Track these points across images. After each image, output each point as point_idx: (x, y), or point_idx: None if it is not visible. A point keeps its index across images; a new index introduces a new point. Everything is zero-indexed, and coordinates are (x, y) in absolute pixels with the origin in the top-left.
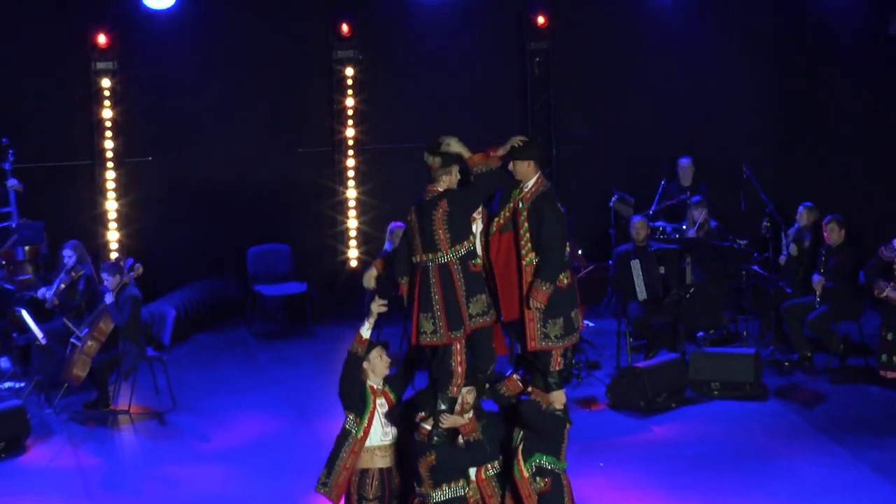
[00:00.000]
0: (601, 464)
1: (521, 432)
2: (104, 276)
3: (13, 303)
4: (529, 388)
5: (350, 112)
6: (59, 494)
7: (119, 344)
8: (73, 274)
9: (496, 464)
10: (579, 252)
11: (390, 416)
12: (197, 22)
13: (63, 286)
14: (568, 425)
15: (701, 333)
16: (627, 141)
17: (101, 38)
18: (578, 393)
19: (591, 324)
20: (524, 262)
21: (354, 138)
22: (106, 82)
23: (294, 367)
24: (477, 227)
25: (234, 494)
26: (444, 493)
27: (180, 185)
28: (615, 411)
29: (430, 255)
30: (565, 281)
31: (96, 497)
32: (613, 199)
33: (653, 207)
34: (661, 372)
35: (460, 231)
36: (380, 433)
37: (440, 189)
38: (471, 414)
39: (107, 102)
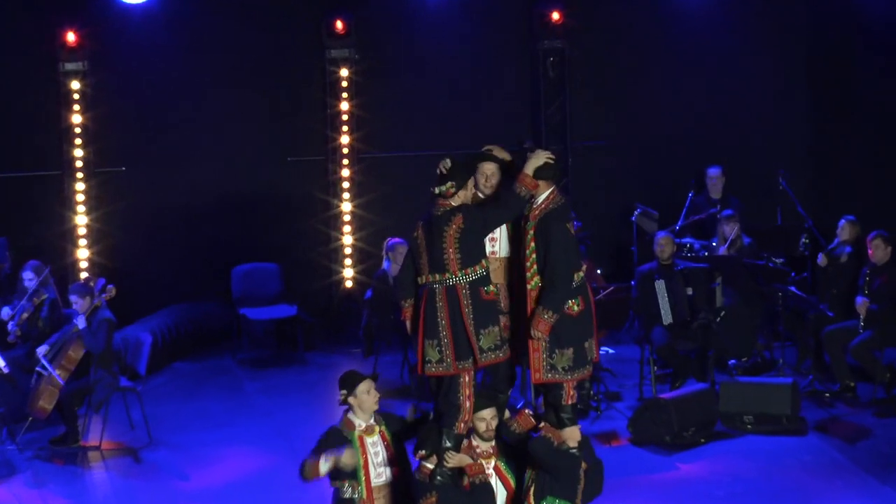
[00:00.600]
0: None
1: (532, 473)
2: (72, 298)
3: None
4: (541, 424)
5: (345, 117)
6: None
7: (90, 373)
8: (36, 300)
9: None
10: (598, 272)
11: (386, 455)
12: (176, 18)
13: (25, 315)
14: (585, 465)
15: (732, 361)
16: (651, 149)
17: (70, 37)
18: (597, 427)
19: (611, 351)
20: (529, 286)
21: (350, 146)
22: (75, 85)
23: (284, 398)
24: (501, 245)
25: None
26: None
27: (158, 198)
28: (638, 447)
29: (438, 277)
30: (576, 308)
31: None
32: (636, 213)
33: (679, 222)
34: (689, 404)
35: (473, 252)
36: (373, 475)
37: (453, 203)
38: (492, 443)
39: (76, 107)
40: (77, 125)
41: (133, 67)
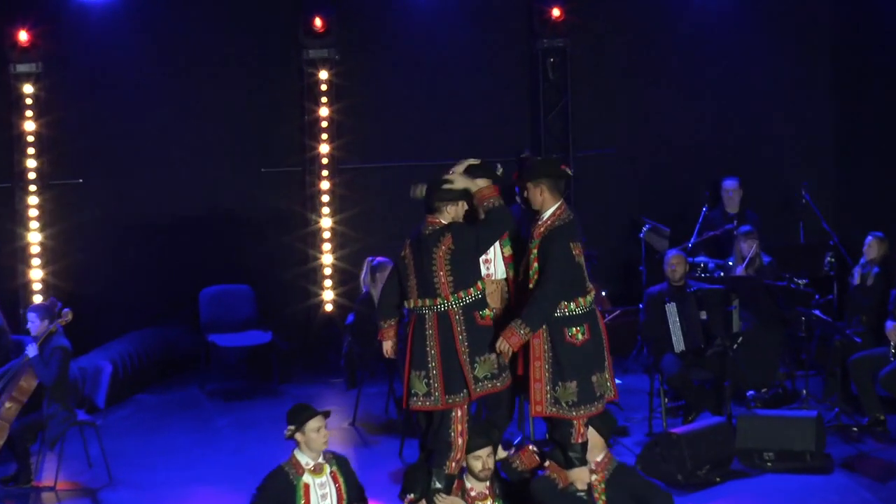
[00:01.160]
0: None
1: None
2: (30, 316)
3: None
4: (546, 463)
5: (324, 124)
6: None
7: (43, 406)
8: None
9: None
10: (603, 294)
11: (336, 498)
12: (139, 16)
13: None
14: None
15: (751, 392)
16: (661, 159)
17: (23, 36)
18: None
19: (617, 381)
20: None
21: (330, 156)
22: (28, 88)
23: (256, 432)
24: (496, 267)
25: None
26: None
27: (119, 213)
28: None
29: (428, 302)
30: (580, 336)
31: None
32: (644, 229)
33: (692, 240)
34: (704, 439)
35: (466, 274)
36: None
37: (443, 221)
38: (488, 483)
39: (29, 113)
40: (30, 133)
41: (92, 69)
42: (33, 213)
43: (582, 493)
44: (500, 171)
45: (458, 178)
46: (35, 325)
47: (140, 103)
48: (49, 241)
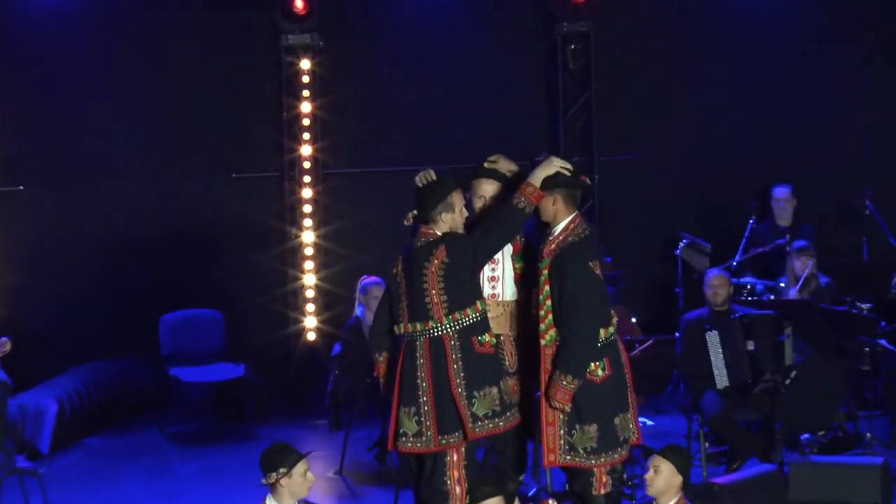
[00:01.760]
0: None
1: None
2: None
3: None
4: None
5: (306, 122)
6: None
7: None
8: None
9: None
10: (633, 321)
11: None
12: (92, 3)
13: None
14: None
15: (806, 436)
16: (701, 163)
17: None
18: None
19: (649, 422)
20: (543, 342)
21: (312, 159)
22: None
23: (226, 482)
24: (504, 286)
25: None
26: None
27: (66, 226)
28: None
29: (419, 326)
30: (600, 372)
31: None
32: (681, 245)
33: (737, 257)
34: (751, 490)
35: (462, 293)
36: None
37: (437, 232)
38: None
39: None
40: None
41: (35, 60)
42: None
43: None
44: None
45: (502, 160)
46: None
47: (91, 98)
48: None
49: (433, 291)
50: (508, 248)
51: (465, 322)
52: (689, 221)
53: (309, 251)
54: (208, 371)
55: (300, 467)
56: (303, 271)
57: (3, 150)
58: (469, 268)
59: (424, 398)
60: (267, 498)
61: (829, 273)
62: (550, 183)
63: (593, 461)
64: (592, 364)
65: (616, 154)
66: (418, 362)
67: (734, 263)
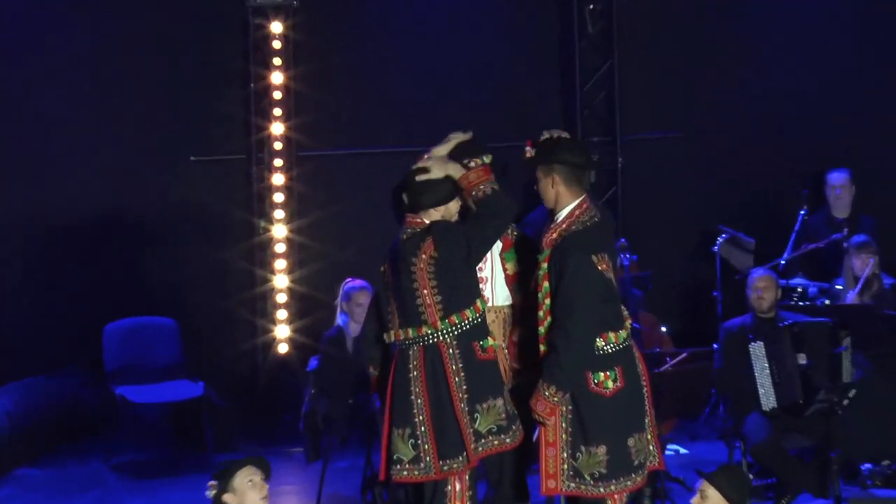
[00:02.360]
0: None
1: None
2: None
3: None
4: None
5: (277, 95)
6: None
7: None
8: None
9: None
10: (663, 330)
11: None
12: None
13: None
14: None
15: (867, 466)
16: (741, 144)
17: None
18: None
19: (682, 450)
20: (542, 347)
21: (284, 138)
22: None
23: None
24: (495, 288)
25: None
26: None
27: None
28: None
29: (412, 332)
30: (610, 384)
31: None
32: (720, 240)
33: (786, 255)
34: None
35: (458, 291)
36: None
37: (426, 221)
38: None
39: None
40: None
41: None
42: None
43: None
44: (487, 158)
45: (434, 163)
46: None
47: (24, 69)
48: None
49: (424, 291)
50: (498, 245)
51: (465, 326)
52: (729, 212)
53: (280, 248)
54: (161, 390)
55: (242, 473)
56: (273, 271)
57: None
58: (463, 263)
59: (420, 417)
60: None
61: (894, 273)
62: (547, 158)
63: (602, 489)
64: (602, 374)
65: (643, 133)
66: (411, 375)
67: (782, 262)
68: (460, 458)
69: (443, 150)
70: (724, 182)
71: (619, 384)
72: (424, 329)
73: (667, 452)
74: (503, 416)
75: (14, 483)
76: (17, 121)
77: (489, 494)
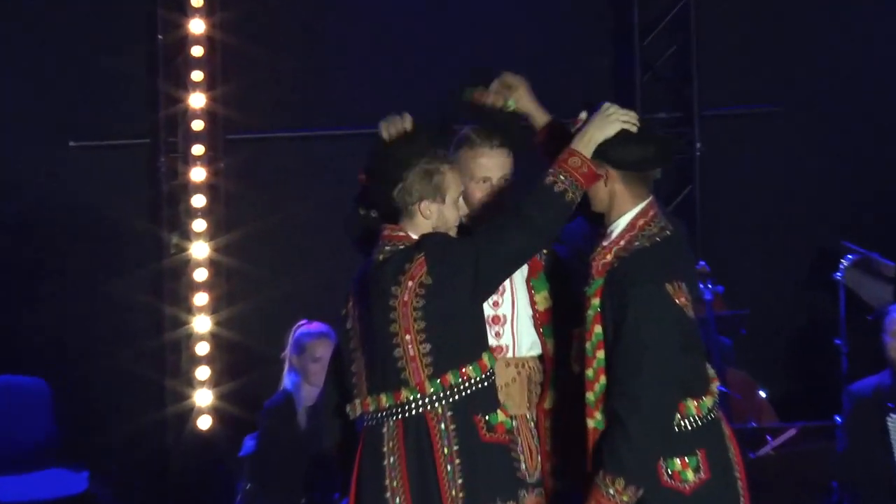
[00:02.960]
0: None
1: None
2: None
3: None
4: None
5: (196, 52)
6: None
7: None
8: None
9: None
10: (761, 395)
11: None
12: None
13: None
14: None
15: None
16: (872, 125)
17: None
18: None
19: None
20: (591, 423)
21: (207, 116)
22: None
23: None
24: (517, 331)
25: None
26: None
27: None
28: None
29: (386, 399)
30: (690, 476)
31: None
32: (844, 264)
33: None
34: None
35: (458, 339)
36: None
37: (411, 234)
38: None
39: None
40: None
41: None
42: None
43: None
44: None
45: (521, 92)
46: None
47: None
48: None
49: (407, 338)
50: (523, 270)
51: (464, 390)
52: (855, 224)
53: (201, 274)
54: (28, 484)
55: None
56: (191, 310)
57: None
58: (468, 293)
59: None
60: None
61: None
62: (616, 158)
63: None
64: (677, 461)
65: (729, 107)
66: (386, 462)
67: None
68: None
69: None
70: (848, 179)
71: (702, 475)
72: (406, 394)
73: None
74: None
75: None
76: None
77: None
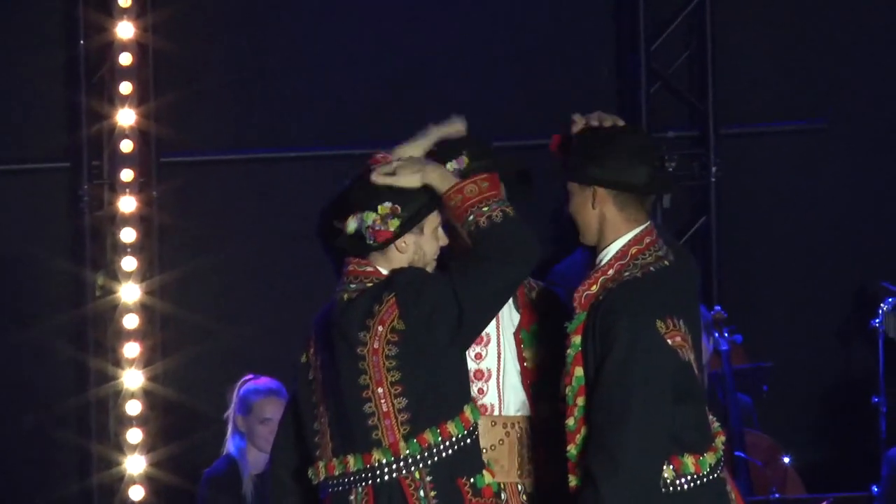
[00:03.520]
0: None
1: None
2: None
3: None
4: None
5: (125, 60)
6: None
7: None
8: None
9: None
10: (786, 461)
11: None
12: None
13: None
14: None
15: None
16: None
17: None
18: None
19: None
20: (574, 481)
21: (138, 134)
22: None
23: None
24: (503, 384)
25: None
26: None
27: None
28: None
29: (353, 462)
30: None
31: None
32: (884, 308)
33: None
34: None
35: (437, 392)
36: None
37: (381, 269)
38: None
39: None
40: None
41: None
42: None
43: None
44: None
45: (404, 165)
46: None
47: None
48: None
49: (379, 391)
50: (511, 317)
51: (445, 450)
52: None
53: (131, 321)
54: None
55: None
56: (119, 362)
57: None
58: (446, 340)
59: None
60: None
61: None
62: (581, 168)
63: None
64: None
65: (751, 124)
66: None
67: None
68: None
69: (415, 148)
70: (892, 209)
71: None
72: (378, 456)
73: None
74: None
75: None
76: None
77: None
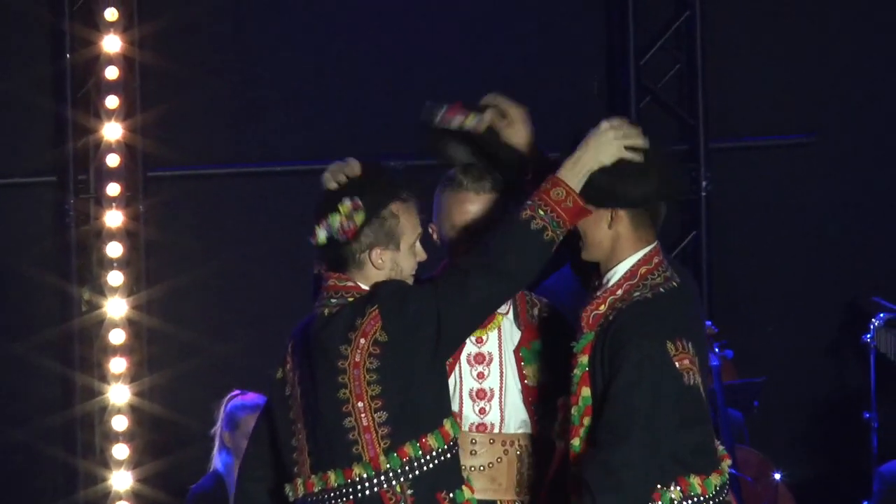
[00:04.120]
0: None
1: None
2: None
3: None
4: None
5: (111, 74)
6: None
7: None
8: None
9: None
10: (776, 478)
11: None
12: None
13: None
14: None
15: None
16: None
17: None
18: None
19: None
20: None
21: (125, 149)
22: None
23: None
24: (504, 402)
25: None
26: None
27: None
28: None
29: (334, 478)
30: None
31: None
32: (876, 323)
33: None
34: None
35: (417, 405)
36: None
37: (360, 285)
38: None
39: None
40: None
41: None
42: None
43: None
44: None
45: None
46: None
47: None
48: None
49: (360, 405)
50: (512, 335)
51: (426, 464)
52: (890, 277)
53: (118, 337)
54: None
55: None
56: (105, 378)
57: None
58: (427, 353)
59: None
60: None
61: None
62: (612, 193)
63: None
64: None
65: (742, 138)
66: None
67: None
68: None
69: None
70: (884, 225)
71: None
72: (358, 471)
73: None
74: None
75: None
76: None
77: None
